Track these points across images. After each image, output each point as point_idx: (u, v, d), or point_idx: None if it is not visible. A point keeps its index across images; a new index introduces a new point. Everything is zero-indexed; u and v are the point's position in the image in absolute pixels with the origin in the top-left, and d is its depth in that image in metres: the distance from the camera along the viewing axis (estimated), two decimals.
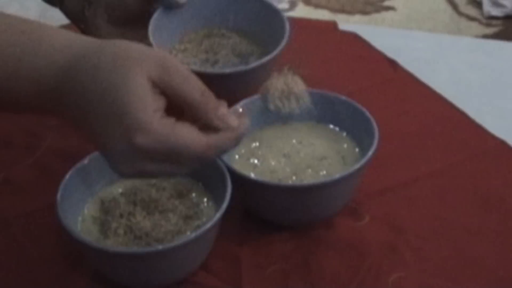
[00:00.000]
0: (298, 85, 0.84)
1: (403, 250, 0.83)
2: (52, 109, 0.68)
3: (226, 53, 1.01)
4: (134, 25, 0.98)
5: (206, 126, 0.67)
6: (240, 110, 0.89)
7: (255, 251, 0.83)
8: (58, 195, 0.79)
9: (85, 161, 0.83)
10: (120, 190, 0.84)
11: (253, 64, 0.96)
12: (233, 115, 0.69)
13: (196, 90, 0.66)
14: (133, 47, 0.66)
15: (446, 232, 0.85)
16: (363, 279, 0.80)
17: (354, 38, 1.20)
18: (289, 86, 0.83)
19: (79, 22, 1.02)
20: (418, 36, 1.28)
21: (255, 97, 0.91)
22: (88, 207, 0.83)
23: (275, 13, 1.01)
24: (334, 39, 1.21)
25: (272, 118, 0.89)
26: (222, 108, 0.68)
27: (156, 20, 0.98)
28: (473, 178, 0.93)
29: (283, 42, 0.95)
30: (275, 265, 0.82)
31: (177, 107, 0.66)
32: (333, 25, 1.24)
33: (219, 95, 0.69)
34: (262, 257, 0.83)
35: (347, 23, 1.25)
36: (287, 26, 0.97)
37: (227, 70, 0.96)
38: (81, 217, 0.82)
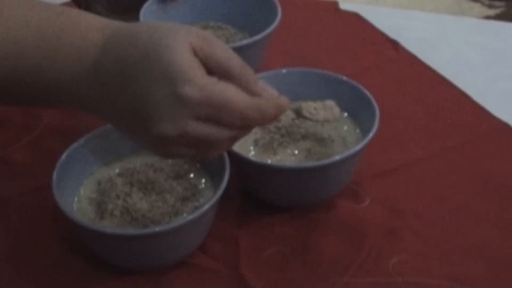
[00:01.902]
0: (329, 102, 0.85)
1: (404, 233, 0.82)
2: (85, 94, 0.67)
3: None
4: (134, 13, 0.98)
5: None
6: None
7: (253, 233, 0.83)
8: (54, 175, 0.78)
9: (81, 141, 0.82)
10: (116, 171, 0.83)
11: (237, 43, 0.96)
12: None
13: (237, 62, 0.66)
14: (172, 24, 0.67)
15: (448, 215, 0.85)
16: (363, 262, 0.79)
17: (356, 18, 1.19)
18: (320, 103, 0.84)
19: (82, 7, 1.03)
20: (420, 16, 1.27)
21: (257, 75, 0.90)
22: (84, 188, 0.82)
23: (271, 5, 1.01)
24: (335, 19, 1.21)
25: None
26: (261, 81, 0.68)
27: (150, 10, 0.98)
28: (475, 160, 0.92)
29: (272, 26, 0.96)
30: (273, 247, 0.81)
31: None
32: (334, 4, 1.23)
33: None
34: (260, 239, 0.82)
35: (349, 3, 1.25)
36: (279, 14, 0.98)
37: None
38: (77, 197, 0.81)
